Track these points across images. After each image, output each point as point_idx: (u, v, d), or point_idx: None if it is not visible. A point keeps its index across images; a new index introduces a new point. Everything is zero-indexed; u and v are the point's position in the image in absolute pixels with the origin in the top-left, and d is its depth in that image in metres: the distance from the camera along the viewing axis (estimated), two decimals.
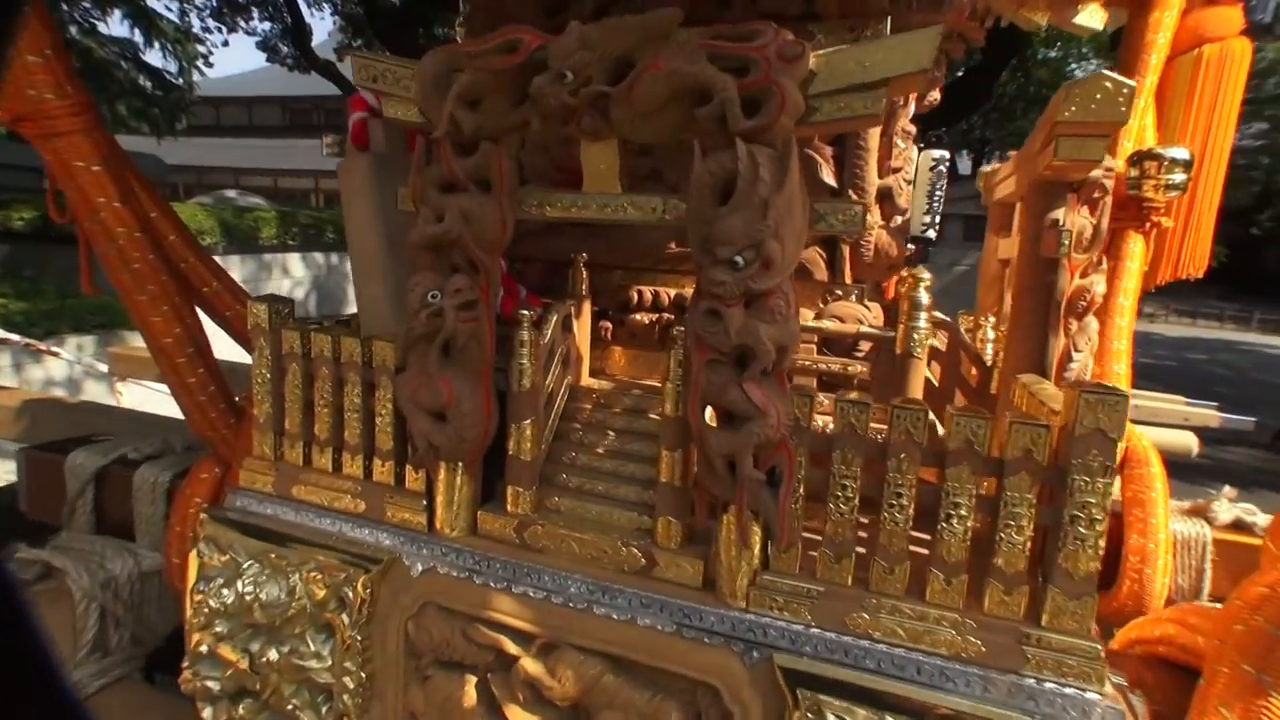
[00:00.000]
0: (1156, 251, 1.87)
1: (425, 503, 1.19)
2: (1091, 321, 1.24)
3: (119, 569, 1.60)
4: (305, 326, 1.27)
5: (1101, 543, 0.87)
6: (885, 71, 0.89)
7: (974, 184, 1.76)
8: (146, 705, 1.56)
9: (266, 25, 15.08)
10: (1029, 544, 0.90)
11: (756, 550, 1.00)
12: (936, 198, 2.20)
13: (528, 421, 1.14)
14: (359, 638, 1.19)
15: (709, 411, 0.95)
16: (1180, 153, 1.60)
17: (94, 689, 1.56)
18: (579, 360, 1.35)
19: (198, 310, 1.57)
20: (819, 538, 0.99)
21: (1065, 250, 1.17)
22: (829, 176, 1.31)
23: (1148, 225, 1.73)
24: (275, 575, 1.22)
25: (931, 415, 0.98)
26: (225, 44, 15.92)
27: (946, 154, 2.18)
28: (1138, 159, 1.64)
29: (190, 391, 1.52)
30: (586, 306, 1.35)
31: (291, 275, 9.62)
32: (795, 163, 0.90)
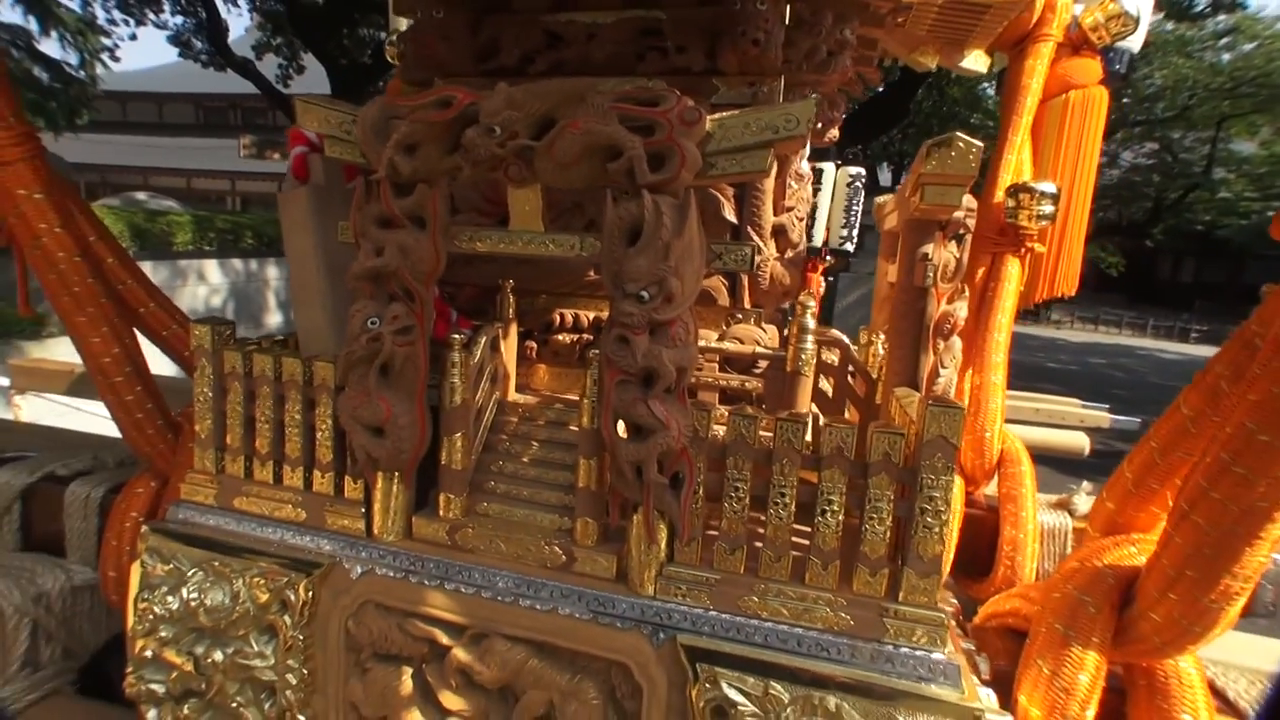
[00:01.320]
0: (1032, 273, 2.12)
1: (364, 510, 1.29)
2: (956, 341, 1.44)
3: (50, 584, 1.62)
4: (246, 347, 1.35)
5: (946, 531, 1.05)
6: (770, 135, 1.06)
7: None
8: (80, 717, 1.59)
9: (179, 19, 14.38)
10: (889, 533, 1.07)
11: (662, 545, 1.14)
12: (854, 212, 2.40)
13: (458, 435, 1.26)
14: (300, 637, 1.27)
15: (620, 424, 1.09)
16: (1049, 187, 1.83)
17: (25, 703, 1.57)
18: (506, 377, 1.47)
19: (135, 330, 1.61)
20: (717, 533, 1.14)
21: (932, 280, 1.37)
22: (731, 214, 1.47)
23: (1023, 250, 1.97)
24: (219, 581, 1.30)
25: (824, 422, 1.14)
26: (133, 37, 15.13)
27: (863, 170, 2.38)
28: (1014, 191, 1.88)
29: (128, 409, 1.56)
30: (513, 328, 1.47)
31: (208, 282, 9.27)
32: (693, 211, 1.06)
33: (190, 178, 26.05)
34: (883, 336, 1.76)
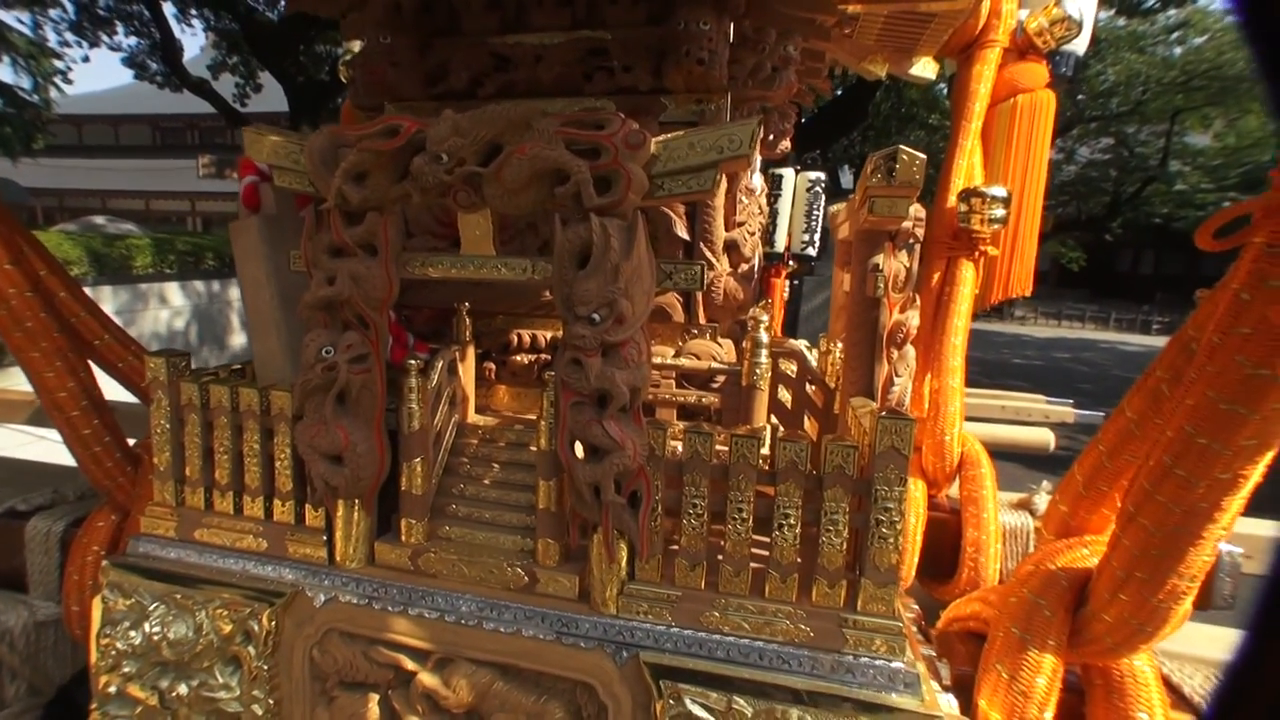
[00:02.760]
0: (987, 276, 2.16)
1: (325, 538, 1.28)
2: (910, 350, 1.47)
3: (13, 621, 1.59)
4: (202, 379, 1.34)
5: (902, 540, 1.07)
6: (714, 156, 1.07)
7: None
8: None
9: (133, 41, 14.21)
10: (845, 544, 1.09)
11: (623, 563, 1.15)
12: (815, 217, 2.43)
13: (418, 460, 1.26)
14: (265, 667, 1.27)
15: (576, 446, 1.10)
16: (999, 191, 1.88)
17: None
18: (465, 400, 1.47)
19: (90, 363, 1.60)
20: (677, 549, 1.15)
21: (883, 290, 1.39)
22: (683, 231, 1.49)
23: (976, 254, 2.01)
24: (182, 614, 1.28)
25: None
26: (86, 60, 14.84)
27: (823, 175, 2.41)
28: (966, 196, 1.91)
29: (85, 443, 1.55)
30: (470, 350, 1.48)
31: (170, 304, 9.12)
32: (641, 232, 1.07)
33: (149, 199, 25.68)
34: (841, 345, 1.78)
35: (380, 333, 1.20)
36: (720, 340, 1.53)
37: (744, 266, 1.55)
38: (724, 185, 1.48)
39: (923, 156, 1.25)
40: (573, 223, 1.07)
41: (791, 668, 1.08)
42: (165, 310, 9.07)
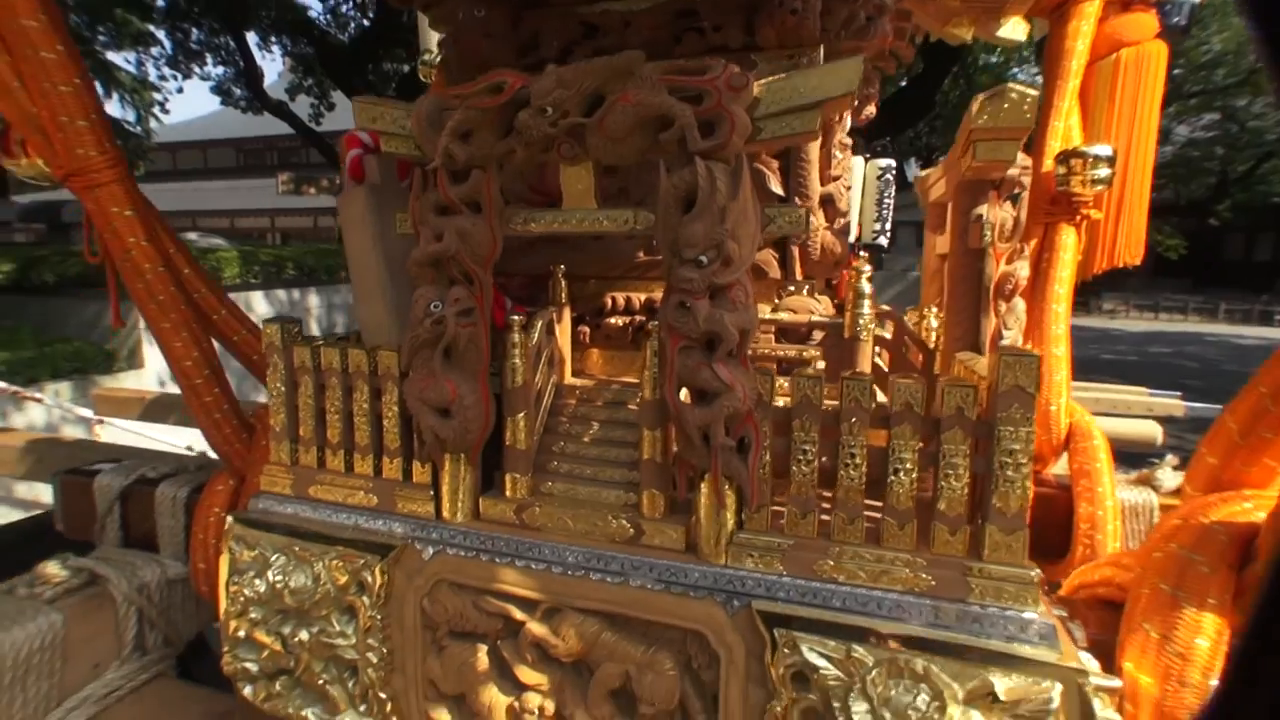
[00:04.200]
0: (1090, 243, 2.04)
1: (432, 494, 1.32)
2: (1019, 302, 1.40)
3: (149, 576, 1.71)
4: (315, 343, 1.40)
5: (1029, 484, 1.02)
6: (818, 95, 1.05)
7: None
8: (185, 697, 1.67)
9: (220, 70, 15.25)
10: (966, 490, 1.05)
11: (731, 512, 1.13)
12: (885, 205, 2.35)
13: (521, 414, 1.28)
14: (378, 617, 1.31)
15: (683, 392, 1.09)
16: (1103, 149, 1.76)
17: (138, 682, 1.67)
18: (562, 362, 1.49)
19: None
20: (781, 508, 1.13)
21: (989, 240, 1.33)
22: (777, 186, 1.46)
23: (1078, 218, 1.90)
24: (300, 565, 1.34)
25: (880, 393, 1.12)
26: (180, 90, 16.02)
27: (893, 162, 2.33)
28: (1064, 157, 1.81)
29: (207, 410, 1.64)
30: (566, 313, 1.49)
31: (255, 312, 9.63)
32: (746, 175, 1.05)
33: (234, 217, 27.46)
34: (935, 310, 1.72)
35: (485, 289, 1.22)
36: (818, 296, 1.50)
37: (840, 221, 1.52)
38: (819, 137, 1.44)
39: (1034, 93, 1.19)
40: (677, 168, 1.06)
41: (913, 617, 1.04)
42: (251, 316, 9.56)
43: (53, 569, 1.67)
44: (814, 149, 1.46)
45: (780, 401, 1.15)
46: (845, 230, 1.54)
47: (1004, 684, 0.97)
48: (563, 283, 1.47)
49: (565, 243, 1.61)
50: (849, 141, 1.61)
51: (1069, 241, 1.89)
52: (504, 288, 1.64)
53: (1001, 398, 1.00)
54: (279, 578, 1.34)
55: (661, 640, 1.17)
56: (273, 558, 1.36)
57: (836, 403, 1.09)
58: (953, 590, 1.04)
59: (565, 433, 1.39)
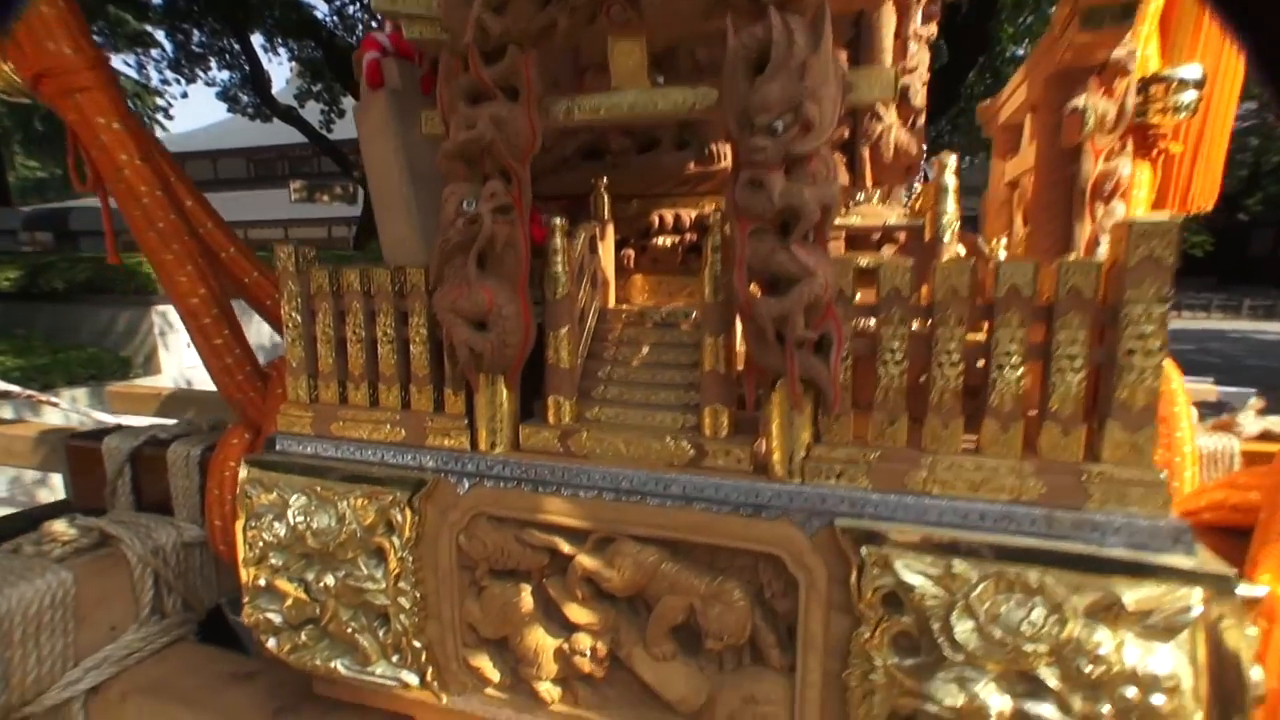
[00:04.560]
0: (1163, 182, 1.87)
1: (466, 423, 1.20)
2: (1118, 206, 1.26)
3: (164, 538, 1.60)
4: (333, 264, 1.28)
5: (1160, 376, 0.88)
6: None
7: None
8: (207, 659, 1.57)
9: (225, 74, 14.96)
10: (1083, 384, 0.91)
11: (808, 423, 1.01)
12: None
13: (565, 329, 1.15)
14: (410, 559, 1.19)
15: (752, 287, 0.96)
16: (1191, 70, 1.56)
17: (158, 645, 1.57)
18: (605, 284, 1.36)
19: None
20: (871, 404, 1.00)
21: (1089, 132, 1.19)
22: None
23: (1155, 153, 1.74)
24: (323, 505, 1.22)
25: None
26: (184, 95, 15.78)
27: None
28: (1143, 85, 1.65)
29: (218, 353, 1.52)
30: (610, 230, 1.36)
31: None
32: (828, 28, 0.92)
33: (246, 228, 27.56)
34: (1004, 240, 1.58)
35: (524, 186, 1.10)
36: (890, 204, 1.37)
37: (915, 120, 1.38)
38: (892, 25, 1.31)
39: None
40: (746, 25, 0.93)
41: (1022, 527, 0.91)
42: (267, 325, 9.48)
43: (60, 527, 1.56)
44: (888, 34, 1.32)
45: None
46: (920, 131, 1.40)
47: (1132, 595, 0.84)
48: (605, 196, 1.34)
49: (604, 161, 1.48)
50: (924, 33, 1.47)
51: (1143, 179, 1.75)
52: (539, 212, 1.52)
53: (1132, 273, 0.86)
54: (300, 519, 1.22)
55: (729, 569, 1.05)
56: (292, 499, 1.24)
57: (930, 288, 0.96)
58: (1067, 497, 0.91)
59: (611, 358, 1.26)
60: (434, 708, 1.29)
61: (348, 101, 14.26)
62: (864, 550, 0.94)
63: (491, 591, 1.16)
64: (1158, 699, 0.83)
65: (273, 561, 1.26)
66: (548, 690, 1.16)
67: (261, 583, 1.27)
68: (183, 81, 14.97)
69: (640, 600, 1.11)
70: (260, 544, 1.25)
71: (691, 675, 1.08)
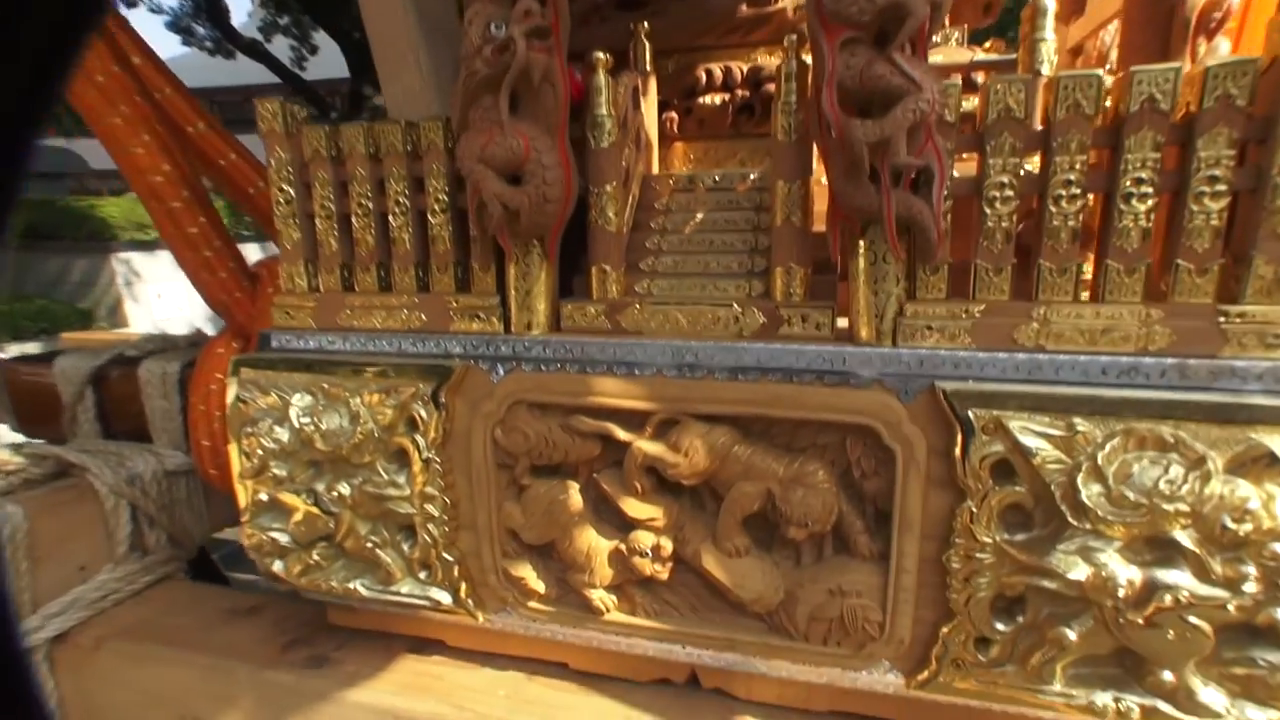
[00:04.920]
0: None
1: (498, 300, 1.05)
2: (1223, 43, 1.13)
3: (142, 467, 1.43)
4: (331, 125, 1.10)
5: None
6: None
7: None
8: (198, 597, 1.42)
9: (174, 2, 13.80)
10: (1224, 214, 0.80)
11: (901, 276, 0.88)
12: None
13: (611, 185, 1.00)
14: (437, 460, 1.05)
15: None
16: None
17: (141, 585, 1.42)
18: (649, 146, 1.21)
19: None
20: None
21: None
22: None
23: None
24: (332, 404, 1.07)
25: None
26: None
27: None
28: None
29: (194, 245, 1.33)
30: (652, 84, 1.20)
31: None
32: None
33: None
34: None
35: (561, 11, 0.93)
36: (969, 47, 1.22)
37: None
38: None
39: None
40: None
41: (1150, 380, 0.81)
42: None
43: (3, 455, 1.37)
44: None
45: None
46: None
47: None
48: (646, 44, 1.17)
49: (643, 6, 1.30)
50: None
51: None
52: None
53: None
54: (306, 420, 1.07)
55: (810, 448, 0.94)
56: (295, 399, 1.09)
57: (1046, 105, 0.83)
58: (1201, 343, 0.80)
59: (660, 228, 1.12)
60: (468, 629, 1.17)
61: (322, 38, 13.22)
62: (972, 414, 0.83)
63: (535, 491, 1.04)
64: None
65: (275, 472, 1.11)
66: (601, 599, 1.05)
67: (263, 498, 1.12)
68: (123, 3, 13.71)
69: (707, 491, 0.99)
70: (259, 453, 1.10)
71: (767, 571, 0.97)
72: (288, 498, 1.11)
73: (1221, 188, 0.79)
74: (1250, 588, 0.75)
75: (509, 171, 0.94)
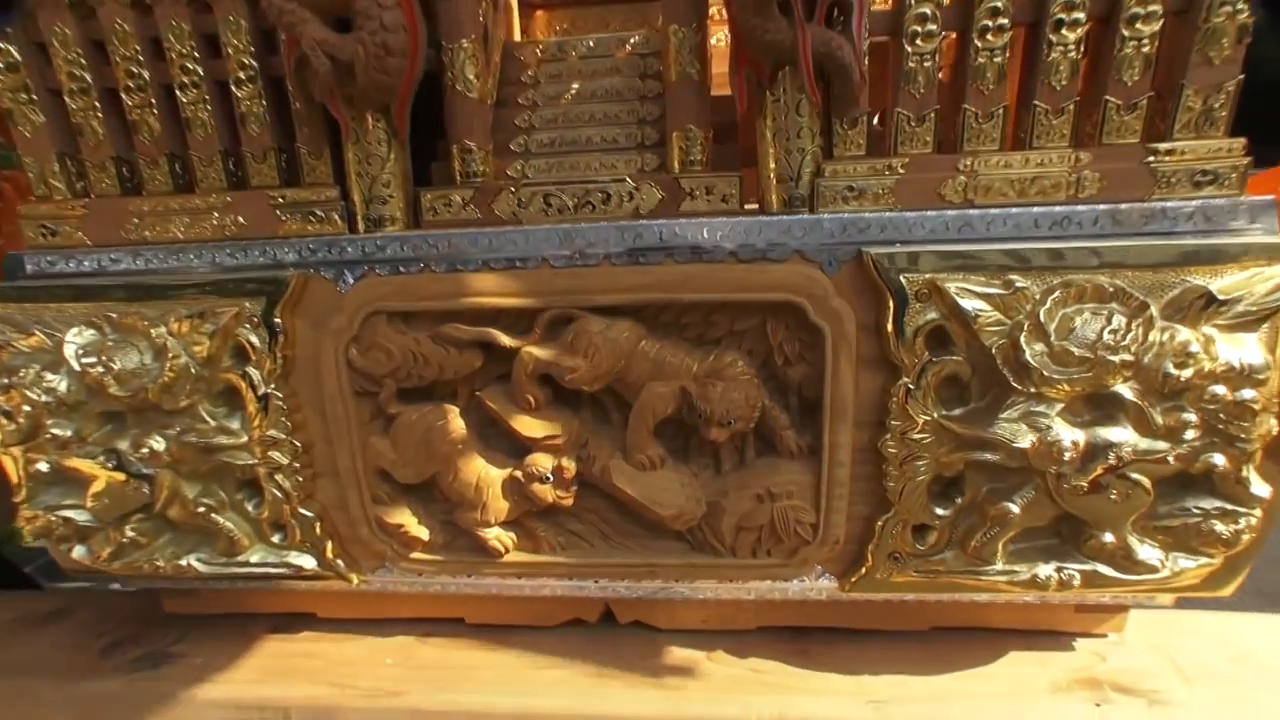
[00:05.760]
0: None
1: (338, 193, 0.84)
2: None
3: None
4: None
5: (1249, 20, 0.72)
6: None
7: None
8: None
9: None
10: (1155, 41, 0.73)
11: (816, 133, 0.77)
12: None
13: (469, 39, 0.81)
14: (280, 395, 0.84)
15: None
16: None
17: None
18: (507, 8, 1.01)
19: None
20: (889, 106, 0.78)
21: None
22: None
23: None
24: (125, 337, 0.83)
25: None
26: None
27: None
28: None
29: None
30: None
31: None
32: None
33: None
34: None
35: None
36: None
37: None
38: None
39: None
40: None
41: (1084, 229, 0.75)
42: None
43: None
44: None
45: None
46: None
47: (1217, 283, 0.71)
48: None
49: None
50: None
51: None
52: None
53: None
54: (90, 361, 0.82)
55: (726, 338, 0.82)
56: (71, 335, 0.84)
57: None
58: (1130, 187, 0.75)
59: (530, 102, 0.94)
60: (342, 595, 1.00)
61: None
62: (904, 279, 0.74)
63: (406, 420, 0.86)
64: (1247, 393, 0.72)
65: (55, 433, 0.85)
66: (498, 538, 0.90)
67: (42, 468, 0.86)
68: None
69: (612, 399, 0.86)
70: (25, 411, 0.84)
71: (686, 482, 0.86)
72: (79, 463, 0.86)
73: (1155, 8, 0.72)
74: (1190, 434, 0.72)
75: (335, 13, 0.72)
